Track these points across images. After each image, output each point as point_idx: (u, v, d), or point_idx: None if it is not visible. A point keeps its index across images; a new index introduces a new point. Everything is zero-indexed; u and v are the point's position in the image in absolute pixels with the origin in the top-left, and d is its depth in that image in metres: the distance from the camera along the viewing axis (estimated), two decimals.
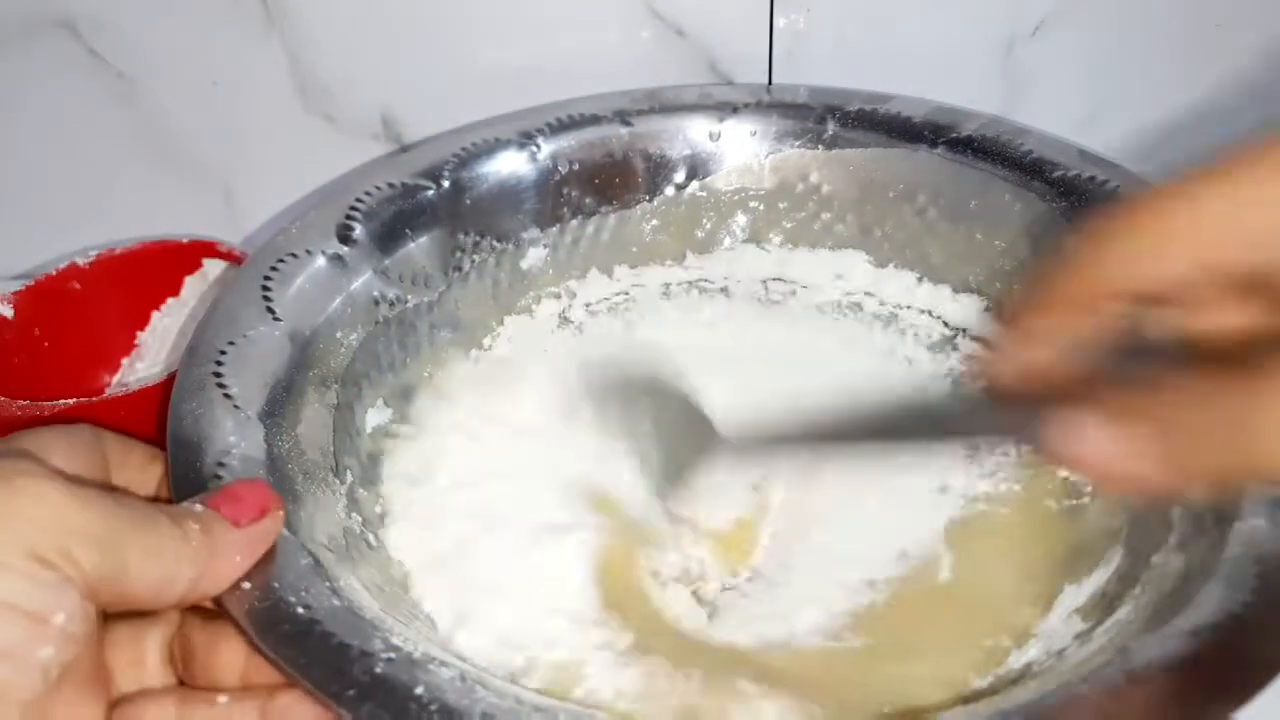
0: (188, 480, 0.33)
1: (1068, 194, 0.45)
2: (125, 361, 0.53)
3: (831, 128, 0.50)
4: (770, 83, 0.57)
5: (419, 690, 0.28)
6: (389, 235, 0.45)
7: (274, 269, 0.42)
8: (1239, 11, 0.56)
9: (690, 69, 0.57)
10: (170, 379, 0.38)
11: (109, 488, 0.32)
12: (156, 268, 0.52)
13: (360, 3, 0.54)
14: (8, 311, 0.49)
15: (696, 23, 0.56)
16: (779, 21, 0.55)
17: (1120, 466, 0.24)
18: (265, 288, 0.41)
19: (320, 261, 0.43)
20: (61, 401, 0.43)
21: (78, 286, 0.51)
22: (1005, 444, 0.37)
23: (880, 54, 0.56)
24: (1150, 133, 0.59)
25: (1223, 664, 0.28)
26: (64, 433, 0.31)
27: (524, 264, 0.50)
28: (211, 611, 0.30)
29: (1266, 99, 0.59)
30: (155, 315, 0.53)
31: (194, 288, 0.53)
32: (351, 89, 0.57)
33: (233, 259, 0.52)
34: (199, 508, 0.30)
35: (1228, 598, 0.29)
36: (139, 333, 0.53)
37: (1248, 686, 0.27)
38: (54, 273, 0.51)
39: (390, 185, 0.46)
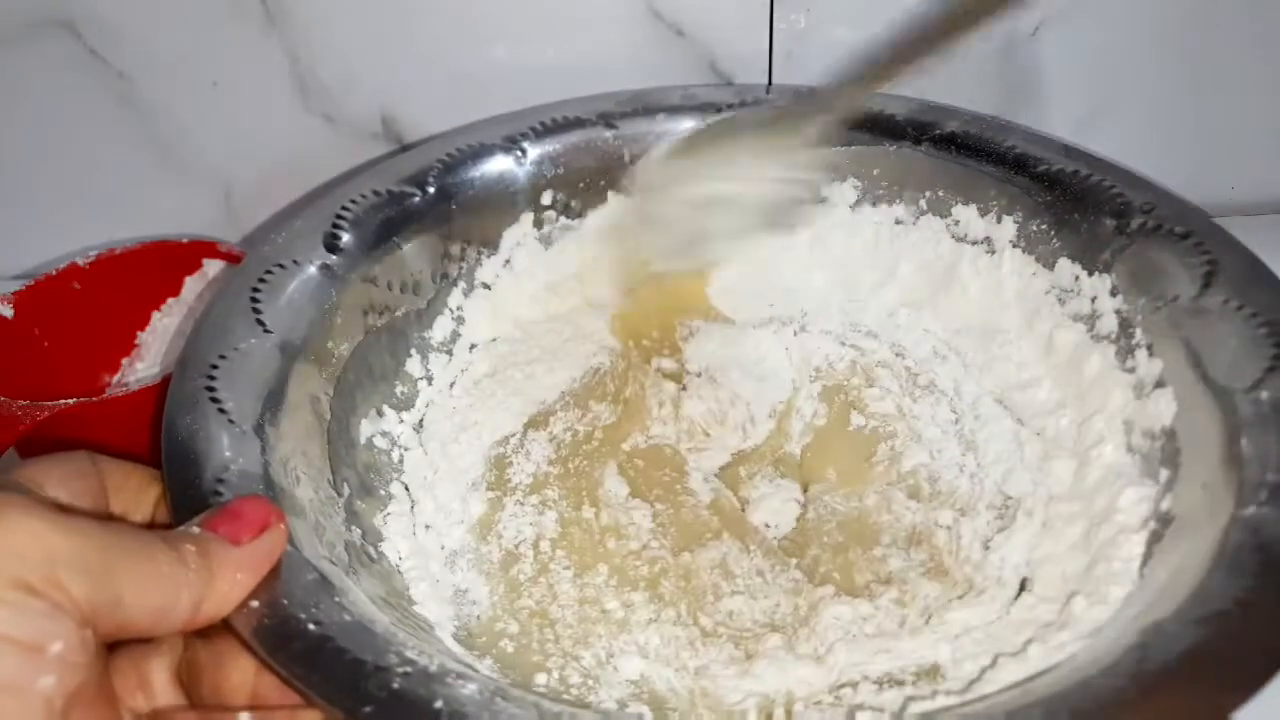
0: (187, 499, 0.32)
1: (1053, 188, 0.45)
2: (125, 361, 0.53)
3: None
4: (770, 83, 0.57)
5: (438, 704, 0.28)
6: (376, 243, 0.45)
7: (262, 280, 0.41)
8: (1239, 11, 0.56)
9: (690, 69, 0.57)
10: (168, 381, 0.38)
11: (106, 515, 0.31)
12: (156, 268, 0.52)
13: (360, 3, 0.54)
14: (8, 311, 0.49)
15: (696, 23, 0.56)
16: (779, 22, 0.55)
17: None
18: (255, 299, 0.41)
19: (308, 271, 0.43)
20: (61, 401, 0.43)
21: (78, 286, 0.51)
22: None
23: None
24: (1150, 132, 0.59)
25: (1230, 654, 0.28)
26: (59, 461, 0.31)
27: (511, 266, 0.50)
28: (217, 631, 0.30)
29: (1264, 98, 0.59)
30: (155, 315, 0.53)
31: (194, 288, 0.53)
32: (351, 89, 0.57)
33: (233, 259, 0.52)
34: (196, 530, 0.30)
35: (1232, 586, 0.29)
36: (139, 333, 0.53)
37: (1256, 677, 0.27)
38: (54, 273, 0.50)
39: (376, 193, 0.46)
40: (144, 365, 0.53)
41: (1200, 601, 0.29)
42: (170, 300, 0.53)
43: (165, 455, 0.34)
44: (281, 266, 0.42)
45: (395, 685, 0.28)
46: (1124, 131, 0.58)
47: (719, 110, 0.51)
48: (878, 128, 0.49)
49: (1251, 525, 0.31)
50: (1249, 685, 0.27)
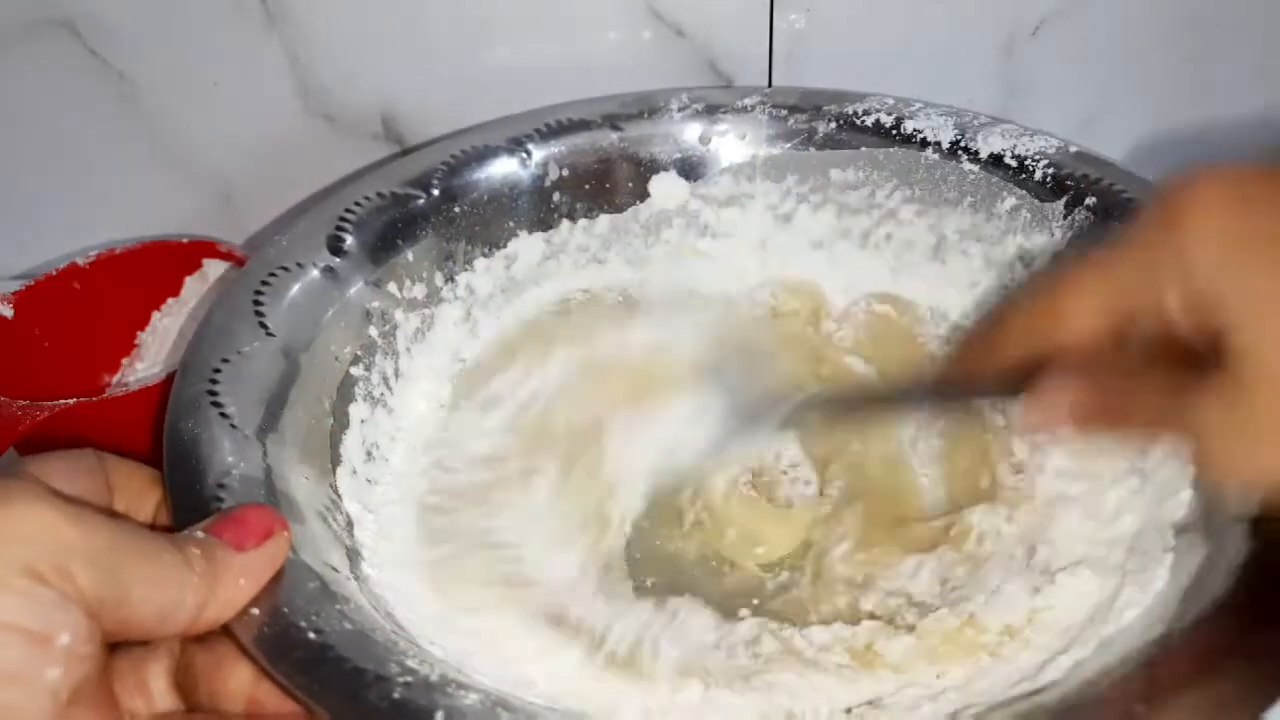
0: (189, 504, 0.32)
1: (1059, 191, 0.45)
2: (125, 361, 0.53)
3: (823, 129, 0.50)
4: (770, 83, 0.57)
5: (439, 715, 0.27)
6: (380, 246, 0.45)
7: (265, 283, 0.41)
8: (1239, 11, 0.56)
9: (690, 69, 0.57)
10: (169, 381, 0.38)
11: (111, 513, 0.31)
12: (156, 268, 0.52)
13: (360, 3, 0.54)
14: (8, 311, 0.49)
15: (696, 23, 0.55)
16: (779, 22, 0.55)
17: (1084, 412, 0.30)
18: (257, 302, 0.40)
19: (312, 274, 0.42)
20: (61, 401, 0.43)
21: (78, 286, 0.51)
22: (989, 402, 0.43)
23: (880, 54, 0.56)
24: (1150, 133, 0.60)
25: (1243, 666, 0.28)
26: (65, 457, 0.31)
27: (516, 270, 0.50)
28: (214, 636, 0.29)
29: (1265, 99, 0.59)
30: (155, 315, 0.53)
31: (194, 288, 0.53)
32: (351, 89, 0.57)
33: (233, 259, 0.52)
34: (200, 534, 0.30)
35: (1244, 597, 0.29)
36: (139, 333, 0.53)
37: (1270, 690, 0.27)
38: (54, 273, 0.50)
39: (380, 195, 0.46)
40: (144, 365, 0.53)
41: (1211, 613, 0.29)
42: (170, 300, 0.53)
43: (167, 460, 0.34)
44: (285, 269, 0.42)
45: (396, 695, 0.28)
46: (1124, 131, 0.58)
47: (725, 113, 0.51)
48: (881, 131, 0.49)
49: (1262, 534, 0.31)
50: (1261, 700, 0.27)
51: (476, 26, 0.55)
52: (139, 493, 0.33)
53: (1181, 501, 0.36)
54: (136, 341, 0.53)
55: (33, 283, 0.50)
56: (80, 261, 0.51)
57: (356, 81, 0.56)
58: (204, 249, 0.52)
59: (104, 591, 0.26)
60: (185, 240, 0.52)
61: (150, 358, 0.53)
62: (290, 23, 0.54)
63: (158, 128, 0.57)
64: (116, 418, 0.44)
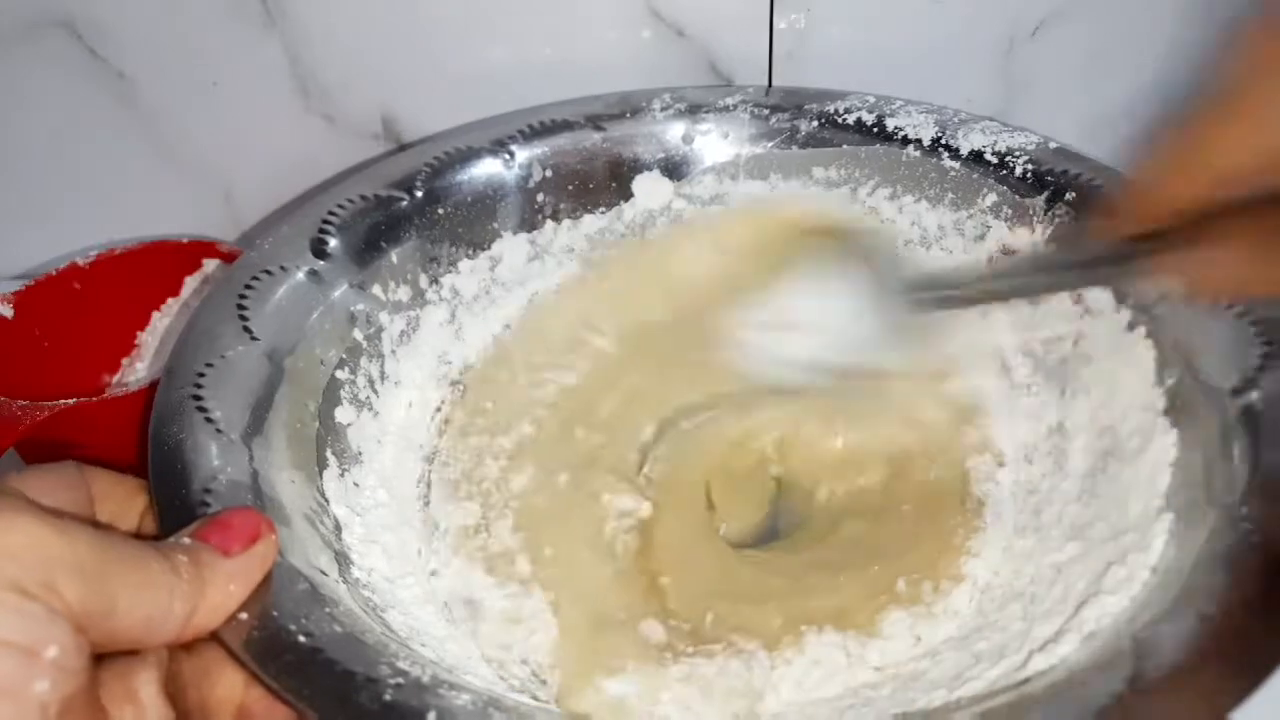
0: (174, 510, 0.32)
1: (1040, 187, 0.45)
2: (125, 361, 0.53)
3: (805, 128, 0.50)
4: (770, 83, 0.57)
5: (430, 716, 0.27)
6: (364, 248, 0.45)
7: (249, 286, 0.41)
8: (1239, 12, 0.56)
9: (690, 69, 0.57)
10: (154, 387, 0.38)
11: (94, 524, 0.31)
12: (156, 268, 0.52)
13: (360, 3, 0.54)
14: (8, 311, 0.49)
15: (696, 23, 0.55)
16: (779, 22, 0.55)
17: (1224, 275, 0.29)
18: (241, 306, 0.40)
19: (296, 277, 0.42)
20: (61, 401, 0.43)
21: (78, 286, 0.51)
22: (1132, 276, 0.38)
23: (880, 54, 0.56)
24: (1149, 133, 0.59)
25: (1226, 655, 0.28)
26: (45, 470, 0.30)
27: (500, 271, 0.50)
28: (202, 644, 0.29)
29: None
30: (155, 315, 0.53)
31: (194, 288, 0.53)
32: (351, 89, 0.57)
33: (233, 259, 0.52)
34: (187, 540, 0.29)
35: (1227, 586, 0.29)
36: (139, 333, 0.53)
37: (1253, 677, 0.27)
38: (54, 273, 0.51)
39: (364, 197, 0.46)
40: (144, 365, 0.53)
41: (1195, 602, 0.30)
42: (170, 300, 0.53)
43: (152, 465, 0.34)
44: (269, 273, 0.42)
45: (387, 697, 0.28)
46: (1124, 132, 0.58)
47: (708, 112, 0.51)
48: (866, 127, 0.49)
49: (1244, 525, 0.31)
50: (1245, 686, 0.27)
51: (476, 26, 0.55)
52: (122, 502, 0.32)
53: (1159, 490, 0.36)
54: (136, 341, 0.53)
55: (33, 283, 0.50)
56: (80, 261, 0.51)
57: (356, 81, 0.57)
58: (204, 249, 0.53)
59: (91, 603, 0.26)
60: (185, 240, 0.53)
61: (150, 358, 0.53)
62: (290, 23, 0.54)
63: (158, 128, 0.57)
64: (116, 418, 0.44)
